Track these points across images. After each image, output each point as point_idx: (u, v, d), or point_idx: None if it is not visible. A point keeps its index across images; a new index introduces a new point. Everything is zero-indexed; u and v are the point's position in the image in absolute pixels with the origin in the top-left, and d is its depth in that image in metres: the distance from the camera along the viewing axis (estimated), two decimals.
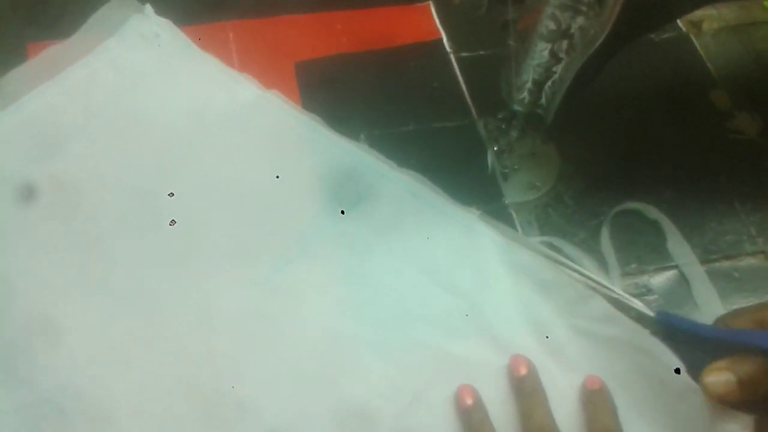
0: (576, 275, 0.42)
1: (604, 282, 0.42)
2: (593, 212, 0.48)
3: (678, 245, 0.47)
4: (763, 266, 0.47)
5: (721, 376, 0.33)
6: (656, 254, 0.47)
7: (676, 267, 0.46)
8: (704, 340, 0.37)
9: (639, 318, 0.40)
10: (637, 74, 0.55)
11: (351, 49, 0.55)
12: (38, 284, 0.41)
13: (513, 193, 0.49)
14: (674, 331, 0.38)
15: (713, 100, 0.55)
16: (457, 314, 0.42)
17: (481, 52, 0.56)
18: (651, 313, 0.40)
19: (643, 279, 0.46)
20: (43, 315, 0.40)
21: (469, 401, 0.39)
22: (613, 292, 0.42)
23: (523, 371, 0.39)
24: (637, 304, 0.41)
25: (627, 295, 0.41)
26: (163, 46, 0.52)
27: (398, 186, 0.46)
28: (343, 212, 0.45)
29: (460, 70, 0.55)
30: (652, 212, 0.48)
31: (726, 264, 0.47)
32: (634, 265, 0.46)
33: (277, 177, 0.46)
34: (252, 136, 0.48)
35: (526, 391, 0.39)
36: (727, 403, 0.34)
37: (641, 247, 0.47)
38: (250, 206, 0.45)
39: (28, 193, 0.44)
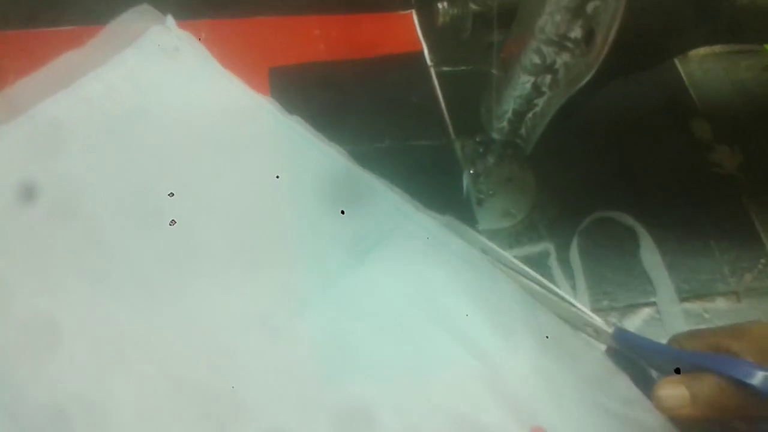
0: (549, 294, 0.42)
1: (565, 295, 0.41)
2: (566, 243, 0.47)
3: (650, 253, 0.47)
4: (734, 308, 0.46)
5: (674, 389, 0.34)
6: (628, 291, 0.46)
7: (647, 305, 0.46)
8: (659, 358, 0.37)
9: (597, 333, 0.40)
10: (619, 99, 0.54)
11: (328, 56, 0.53)
12: (38, 285, 0.41)
13: (487, 220, 0.47)
14: (630, 347, 0.39)
15: (694, 130, 0.54)
16: (479, 380, 0.40)
17: (463, 68, 0.54)
18: (609, 330, 0.39)
19: (613, 316, 0.45)
20: (42, 315, 0.39)
21: None
22: (573, 306, 0.41)
23: None
24: (597, 320, 0.40)
25: (587, 311, 0.40)
26: (182, 61, 0.49)
27: (418, 228, 0.44)
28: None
29: (440, 86, 0.53)
30: (627, 220, 0.48)
31: (697, 304, 0.46)
32: (605, 302, 0.45)
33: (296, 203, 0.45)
34: (272, 161, 0.46)
35: None
36: (677, 416, 0.34)
37: (612, 282, 0.46)
38: (263, 222, 0.44)
39: (30, 198, 0.43)
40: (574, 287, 0.46)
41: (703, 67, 0.58)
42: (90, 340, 0.39)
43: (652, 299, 0.46)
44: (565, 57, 0.35)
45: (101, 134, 0.45)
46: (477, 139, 0.49)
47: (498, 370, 0.40)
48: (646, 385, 0.39)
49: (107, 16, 0.50)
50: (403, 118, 0.51)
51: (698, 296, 0.46)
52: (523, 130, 0.41)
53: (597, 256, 0.47)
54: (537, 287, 0.42)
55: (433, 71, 0.53)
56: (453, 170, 0.49)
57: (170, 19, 0.50)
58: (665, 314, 0.45)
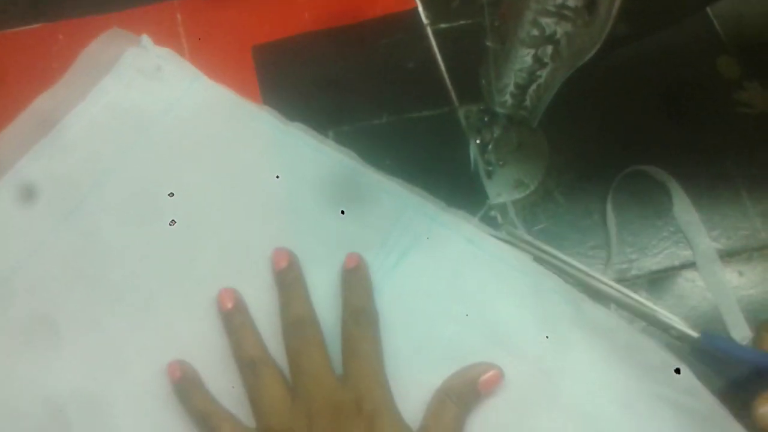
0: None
1: (645, 301, 0.39)
2: (586, 211, 0.44)
3: (684, 210, 0.44)
4: None
5: None
6: (654, 257, 0.43)
7: (674, 268, 0.43)
8: (748, 363, 0.36)
9: (680, 337, 0.38)
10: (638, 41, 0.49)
11: (315, 26, 0.49)
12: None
13: (498, 192, 0.44)
14: (718, 352, 0.37)
15: (721, 68, 0.49)
16: (532, 385, 0.38)
17: (462, 22, 0.50)
18: (695, 334, 0.38)
19: (640, 283, 0.42)
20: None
21: (230, 305, 0.39)
22: (657, 311, 0.39)
23: (284, 264, 0.40)
24: (679, 323, 0.38)
25: (669, 314, 0.39)
26: (168, 81, 0.46)
27: (452, 232, 0.42)
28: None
29: (438, 47, 0.49)
30: (660, 175, 0.45)
31: (730, 264, 0.43)
32: (633, 271, 0.43)
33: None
34: (277, 171, 0.44)
35: (286, 282, 0.39)
36: None
37: (635, 246, 0.43)
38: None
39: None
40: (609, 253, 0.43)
41: None
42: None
43: (677, 263, 0.43)
44: (567, 27, 0.31)
45: (96, 181, 0.43)
46: (481, 107, 0.45)
47: (549, 373, 0.38)
48: (739, 390, 0.37)
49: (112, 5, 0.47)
50: (400, 88, 0.47)
51: (730, 254, 0.43)
52: (528, 102, 0.38)
53: (618, 221, 0.44)
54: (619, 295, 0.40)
55: (429, 30, 0.49)
56: (458, 141, 0.46)
57: (146, 39, 0.46)
58: (705, 273, 0.43)
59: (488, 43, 0.36)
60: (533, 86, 0.36)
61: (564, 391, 0.38)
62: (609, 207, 0.44)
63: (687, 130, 0.47)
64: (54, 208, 0.42)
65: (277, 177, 0.43)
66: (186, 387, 0.37)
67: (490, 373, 0.37)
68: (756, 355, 0.36)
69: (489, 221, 0.43)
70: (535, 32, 0.32)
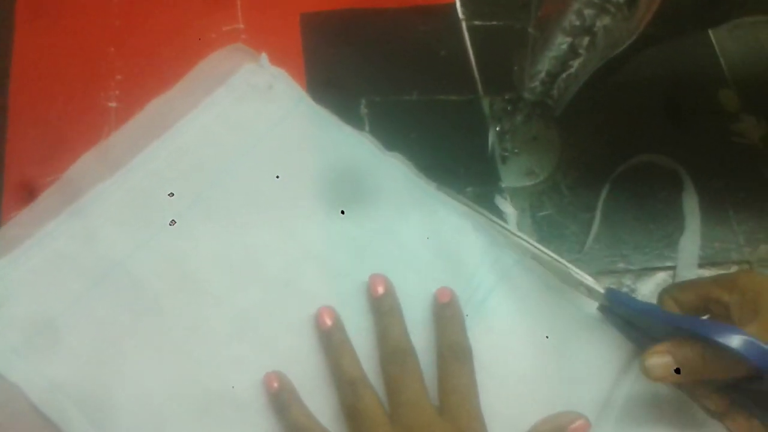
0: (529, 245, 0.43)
1: (555, 256, 0.42)
2: (587, 205, 0.48)
3: (690, 199, 0.48)
4: None
5: (660, 359, 0.35)
6: (644, 255, 0.47)
7: (662, 269, 0.47)
8: (648, 319, 0.39)
9: (589, 293, 0.41)
10: (648, 64, 0.54)
11: (361, 4, 0.52)
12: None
13: (510, 177, 0.48)
14: (621, 307, 0.40)
15: (722, 99, 0.54)
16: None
17: (495, 23, 0.54)
18: (600, 289, 0.41)
19: (628, 278, 0.46)
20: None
21: (329, 322, 0.40)
22: (564, 265, 0.42)
23: (381, 290, 0.40)
24: (588, 279, 0.41)
25: (578, 270, 0.41)
26: (276, 99, 0.47)
27: (535, 277, 0.44)
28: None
29: (471, 41, 0.53)
30: (669, 163, 0.48)
31: (711, 271, 0.47)
32: (620, 264, 0.46)
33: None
34: (376, 200, 0.45)
35: (383, 310, 0.40)
36: (665, 383, 0.36)
37: (628, 245, 0.47)
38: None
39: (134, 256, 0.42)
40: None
41: (735, 35, 0.57)
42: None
43: (668, 263, 0.47)
44: (606, 20, 0.35)
45: (200, 182, 0.44)
46: (506, 97, 0.49)
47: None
48: (637, 344, 0.41)
49: None
50: (431, 71, 0.51)
51: (713, 263, 0.47)
52: (555, 91, 0.41)
53: (615, 219, 0.48)
54: (532, 247, 0.42)
55: (464, 25, 0.53)
56: (479, 127, 0.49)
57: (264, 57, 0.48)
58: (682, 274, 0.46)
59: (529, 30, 0.39)
60: (563, 75, 0.40)
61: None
62: (601, 200, 0.47)
63: (685, 150, 0.51)
64: (159, 213, 0.43)
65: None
66: (283, 398, 0.38)
67: (579, 422, 0.38)
68: (652, 311, 0.39)
69: (498, 203, 0.47)
70: (577, 22, 0.36)
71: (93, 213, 0.42)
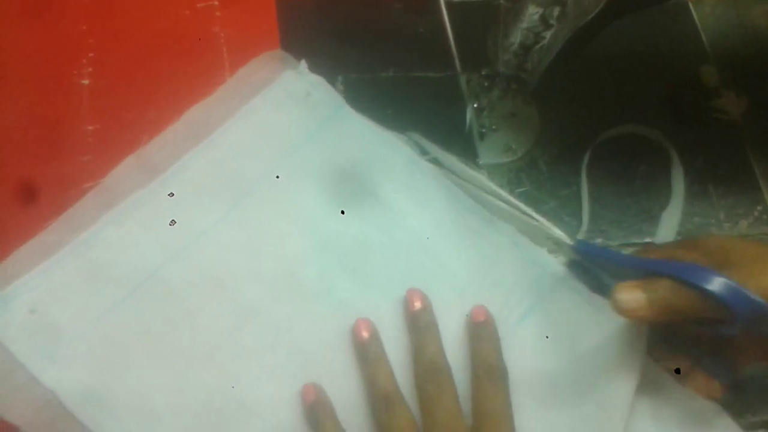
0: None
1: (523, 207, 0.42)
2: (566, 182, 0.48)
3: (677, 174, 0.48)
4: None
5: (631, 293, 0.35)
6: (622, 230, 0.47)
7: (640, 245, 0.46)
8: (619, 268, 0.39)
9: (557, 246, 0.41)
10: (628, 39, 0.53)
11: None
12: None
13: (488, 154, 0.48)
14: (591, 259, 0.40)
15: (702, 75, 0.54)
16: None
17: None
18: (570, 241, 0.41)
19: None
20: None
21: (366, 335, 0.39)
22: (534, 219, 0.41)
23: (418, 305, 0.40)
24: (557, 231, 0.41)
25: (547, 222, 0.41)
26: (314, 107, 0.47)
27: (575, 294, 0.43)
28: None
29: (449, 17, 0.52)
30: (656, 136, 0.48)
31: None
32: (599, 240, 0.46)
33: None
34: (414, 208, 0.45)
35: (420, 325, 0.40)
36: (634, 318, 0.36)
37: (606, 219, 0.47)
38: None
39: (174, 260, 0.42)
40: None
41: (716, 12, 0.57)
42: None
43: (647, 239, 0.47)
44: None
45: (235, 192, 0.44)
46: (483, 73, 0.48)
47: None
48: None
49: None
50: (409, 48, 0.51)
51: (692, 238, 0.47)
52: (529, 64, 0.41)
53: (594, 195, 0.47)
54: (501, 203, 0.42)
55: (442, 1, 0.53)
56: (457, 103, 0.49)
57: (304, 65, 0.47)
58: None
59: (501, 1, 0.39)
60: (536, 47, 0.40)
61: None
62: (583, 178, 0.47)
63: (666, 126, 0.51)
64: (194, 222, 0.43)
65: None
66: (319, 412, 0.37)
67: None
68: (624, 259, 0.39)
69: None
70: None
71: (129, 221, 0.42)
